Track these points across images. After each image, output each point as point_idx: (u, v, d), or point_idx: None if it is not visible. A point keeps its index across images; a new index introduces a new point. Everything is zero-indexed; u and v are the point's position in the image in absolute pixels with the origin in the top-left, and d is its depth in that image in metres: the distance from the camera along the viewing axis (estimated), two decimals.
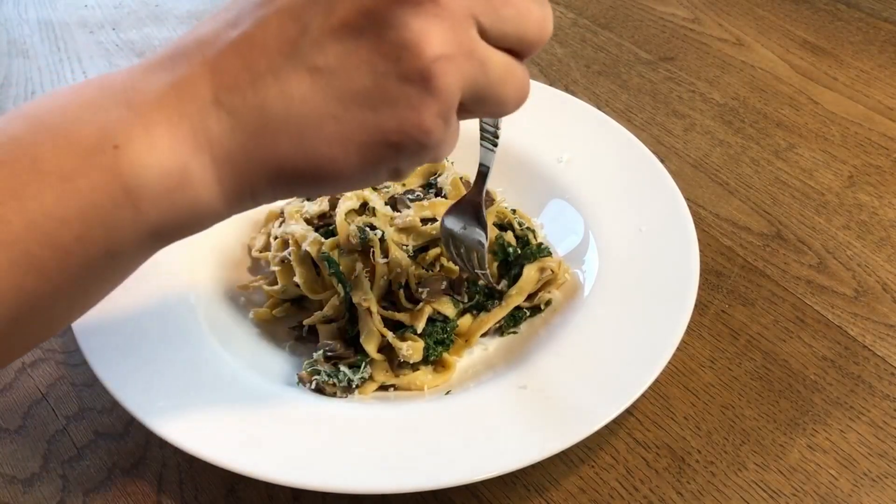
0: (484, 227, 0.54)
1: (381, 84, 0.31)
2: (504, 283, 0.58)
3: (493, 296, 0.58)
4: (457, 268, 0.57)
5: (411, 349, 0.54)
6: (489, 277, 0.56)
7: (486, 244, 0.54)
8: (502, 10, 0.33)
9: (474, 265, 0.55)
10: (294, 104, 0.31)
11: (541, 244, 0.59)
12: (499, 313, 0.57)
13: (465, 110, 0.35)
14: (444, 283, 0.56)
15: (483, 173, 0.52)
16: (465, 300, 0.57)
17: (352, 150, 0.32)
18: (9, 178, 0.30)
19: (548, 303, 0.58)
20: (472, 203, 0.54)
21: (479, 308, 0.58)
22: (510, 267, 0.58)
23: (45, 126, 0.31)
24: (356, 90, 0.31)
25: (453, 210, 0.55)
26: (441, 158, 0.35)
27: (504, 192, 0.61)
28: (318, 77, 0.31)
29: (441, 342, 0.55)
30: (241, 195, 0.33)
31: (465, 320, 0.57)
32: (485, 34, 0.33)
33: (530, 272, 0.57)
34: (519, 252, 0.58)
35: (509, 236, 0.59)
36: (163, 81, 0.32)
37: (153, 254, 0.35)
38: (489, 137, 0.49)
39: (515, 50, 0.34)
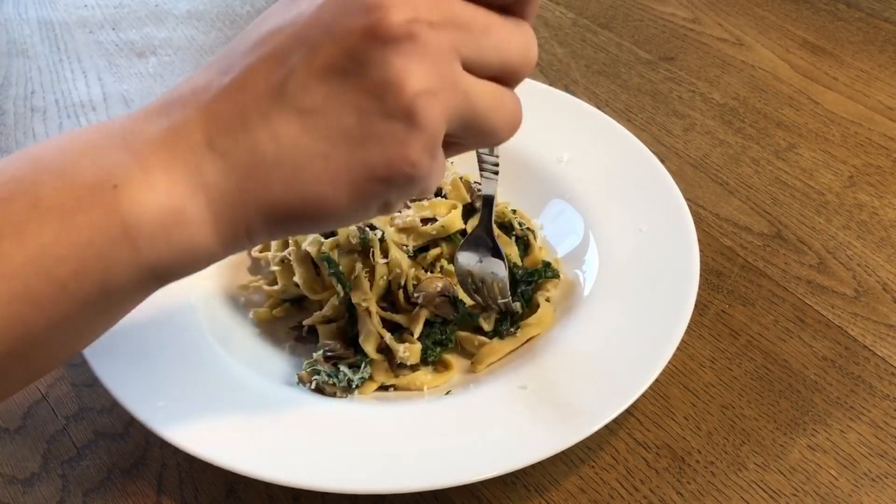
0: (501, 257, 0.54)
1: (367, 122, 0.32)
2: (517, 303, 0.57)
3: (506, 319, 0.57)
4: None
5: (408, 351, 0.54)
6: (511, 306, 0.56)
7: (507, 273, 0.54)
8: (483, 39, 0.33)
9: (496, 297, 0.55)
10: (284, 145, 0.32)
11: (548, 264, 0.59)
12: (512, 344, 0.56)
13: (455, 143, 0.35)
14: (440, 286, 0.55)
15: (489, 203, 0.52)
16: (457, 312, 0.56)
17: (342, 187, 0.33)
18: (10, 214, 0.31)
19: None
20: (484, 235, 0.54)
21: (494, 333, 0.57)
22: (517, 284, 0.58)
23: (46, 166, 0.33)
24: (343, 129, 0.32)
25: (465, 247, 0.54)
26: (429, 191, 0.35)
27: (504, 192, 0.61)
28: (305, 118, 0.32)
29: (440, 343, 0.55)
30: (237, 235, 0.34)
31: (474, 340, 0.56)
32: (468, 66, 0.33)
33: (545, 306, 0.57)
34: (527, 271, 0.58)
35: (512, 251, 0.59)
36: (160, 127, 0.33)
37: (149, 294, 0.36)
38: (489, 167, 0.49)
39: (501, 78, 0.35)
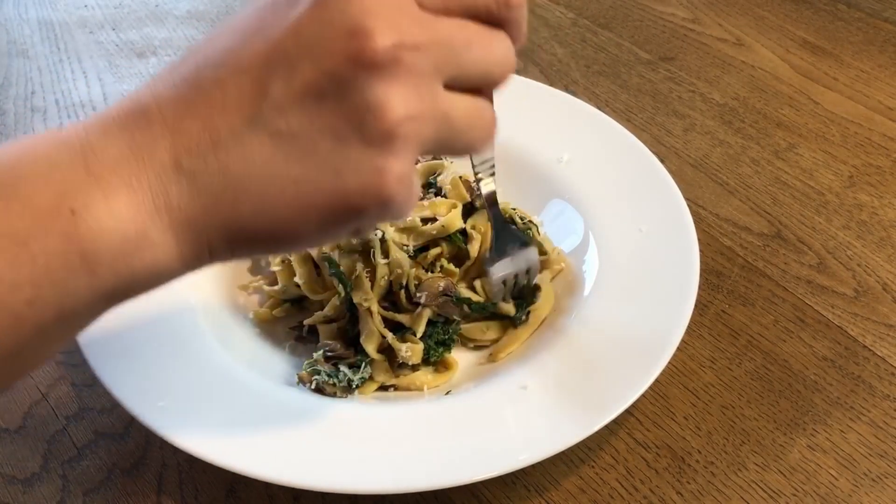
0: (526, 242, 0.55)
1: (344, 148, 0.31)
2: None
3: (523, 304, 0.57)
4: (456, 269, 0.57)
5: (410, 351, 0.54)
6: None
7: (537, 252, 0.55)
8: (465, 55, 0.33)
9: (531, 284, 0.56)
10: (255, 168, 0.31)
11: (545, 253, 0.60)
12: (529, 329, 0.56)
13: (426, 152, 0.34)
14: (442, 285, 0.55)
15: (492, 201, 0.52)
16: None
17: (312, 214, 0.32)
18: None
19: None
20: (502, 232, 0.54)
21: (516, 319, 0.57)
22: None
23: None
24: (319, 155, 0.31)
25: (493, 258, 0.54)
26: (403, 217, 0.35)
27: (504, 193, 0.61)
28: (279, 141, 0.31)
29: (442, 343, 0.55)
30: (200, 256, 0.33)
31: (491, 332, 0.57)
32: (449, 83, 0.33)
33: (546, 286, 0.58)
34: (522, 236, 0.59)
35: None
36: (122, 144, 0.31)
37: (107, 312, 0.34)
38: (485, 168, 0.49)
39: (480, 88, 0.34)
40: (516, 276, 0.55)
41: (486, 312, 0.57)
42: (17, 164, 0.31)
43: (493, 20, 0.34)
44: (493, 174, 0.50)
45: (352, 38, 0.30)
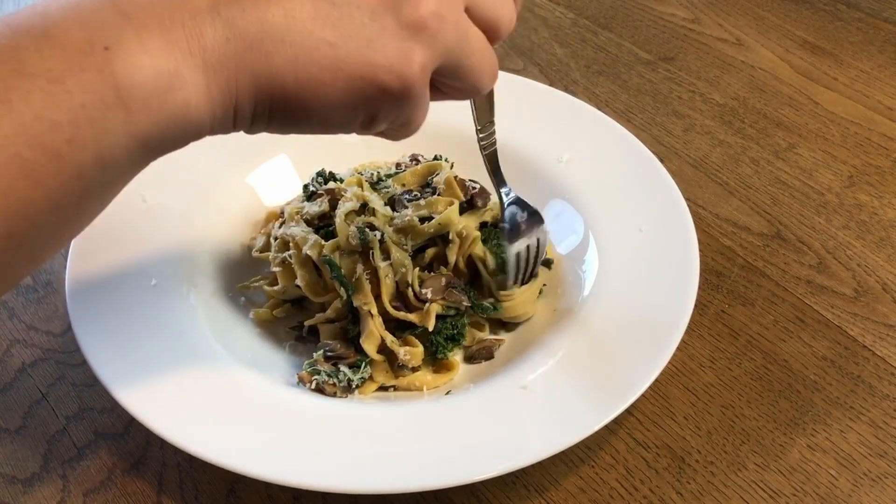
0: (534, 212, 0.57)
1: (379, 25, 0.34)
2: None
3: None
4: (448, 271, 0.57)
5: (409, 354, 0.54)
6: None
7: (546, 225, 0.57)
8: None
9: (540, 258, 0.58)
10: (295, 24, 0.33)
11: None
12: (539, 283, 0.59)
13: (440, 85, 0.38)
14: (444, 279, 0.56)
15: (496, 170, 0.56)
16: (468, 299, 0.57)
17: (340, 79, 0.34)
18: None
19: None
20: (512, 208, 0.56)
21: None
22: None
23: (27, 31, 0.31)
24: (355, 25, 0.33)
25: (510, 234, 0.56)
26: (414, 127, 0.38)
27: (504, 192, 0.61)
28: (322, 4, 0.33)
29: (452, 338, 0.55)
30: (226, 108, 0.34)
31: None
32: (469, 11, 0.36)
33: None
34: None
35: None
36: None
37: (142, 168, 0.34)
38: (487, 137, 0.53)
39: (487, 33, 0.38)
40: (528, 248, 0.56)
41: (488, 313, 0.57)
42: (46, 13, 0.31)
43: None
44: (493, 131, 0.53)
45: None
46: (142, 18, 0.31)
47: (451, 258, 0.57)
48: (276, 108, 0.34)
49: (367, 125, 0.36)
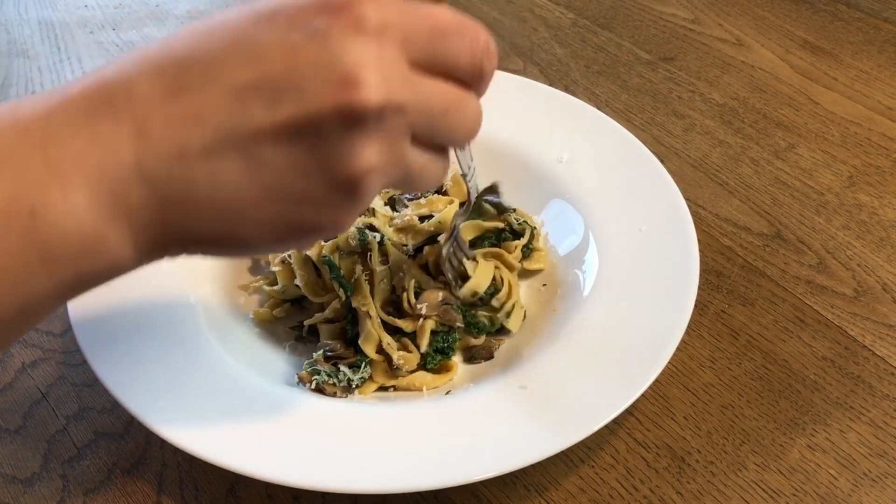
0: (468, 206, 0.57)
1: (310, 185, 0.32)
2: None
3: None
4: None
5: (402, 359, 0.54)
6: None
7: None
8: (440, 121, 0.34)
9: (465, 254, 0.57)
10: (221, 188, 0.31)
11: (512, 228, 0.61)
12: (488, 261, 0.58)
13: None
14: (441, 295, 0.55)
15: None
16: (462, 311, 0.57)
17: (267, 233, 0.33)
18: None
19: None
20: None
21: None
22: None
23: None
24: (284, 185, 0.32)
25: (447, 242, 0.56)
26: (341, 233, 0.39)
27: (504, 193, 0.61)
28: (249, 166, 0.31)
29: (441, 351, 0.55)
30: (154, 254, 0.34)
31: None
32: (416, 139, 0.34)
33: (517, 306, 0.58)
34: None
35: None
36: (84, 135, 0.30)
37: (67, 301, 0.35)
38: (471, 173, 0.52)
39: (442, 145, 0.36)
40: (449, 247, 0.55)
41: (483, 332, 0.57)
42: None
43: (466, 82, 0.35)
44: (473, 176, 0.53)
45: (344, 87, 0.30)
46: (69, 175, 0.30)
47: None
48: (207, 250, 0.35)
49: (296, 248, 0.39)
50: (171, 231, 0.32)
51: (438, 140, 0.35)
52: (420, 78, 0.33)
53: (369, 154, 0.31)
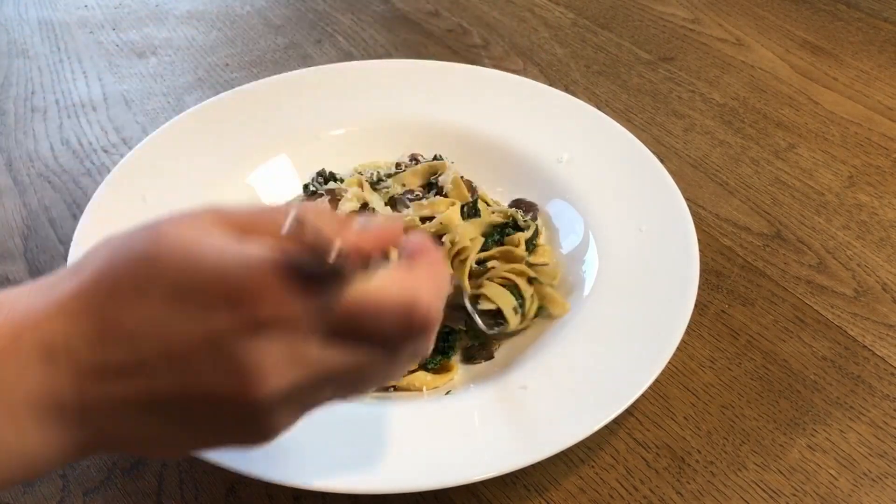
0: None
1: (221, 430, 0.35)
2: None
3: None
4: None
5: None
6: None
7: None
8: (339, 392, 0.37)
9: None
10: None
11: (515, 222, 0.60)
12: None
13: None
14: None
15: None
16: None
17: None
18: None
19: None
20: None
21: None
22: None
23: None
24: (197, 429, 0.34)
25: None
26: None
27: (504, 192, 0.61)
28: (166, 423, 0.34)
29: (441, 351, 0.55)
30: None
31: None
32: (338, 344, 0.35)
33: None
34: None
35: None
36: (36, 381, 0.32)
37: None
38: None
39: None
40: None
41: (483, 338, 0.57)
42: None
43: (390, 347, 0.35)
44: None
45: (246, 391, 0.32)
46: (21, 417, 0.32)
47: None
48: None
49: None
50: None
51: (339, 399, 0.37)
52: (321, 350, 0.33)
53: (281, 419, 0.35)
